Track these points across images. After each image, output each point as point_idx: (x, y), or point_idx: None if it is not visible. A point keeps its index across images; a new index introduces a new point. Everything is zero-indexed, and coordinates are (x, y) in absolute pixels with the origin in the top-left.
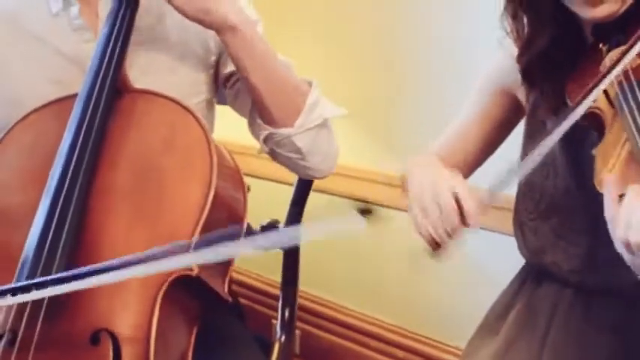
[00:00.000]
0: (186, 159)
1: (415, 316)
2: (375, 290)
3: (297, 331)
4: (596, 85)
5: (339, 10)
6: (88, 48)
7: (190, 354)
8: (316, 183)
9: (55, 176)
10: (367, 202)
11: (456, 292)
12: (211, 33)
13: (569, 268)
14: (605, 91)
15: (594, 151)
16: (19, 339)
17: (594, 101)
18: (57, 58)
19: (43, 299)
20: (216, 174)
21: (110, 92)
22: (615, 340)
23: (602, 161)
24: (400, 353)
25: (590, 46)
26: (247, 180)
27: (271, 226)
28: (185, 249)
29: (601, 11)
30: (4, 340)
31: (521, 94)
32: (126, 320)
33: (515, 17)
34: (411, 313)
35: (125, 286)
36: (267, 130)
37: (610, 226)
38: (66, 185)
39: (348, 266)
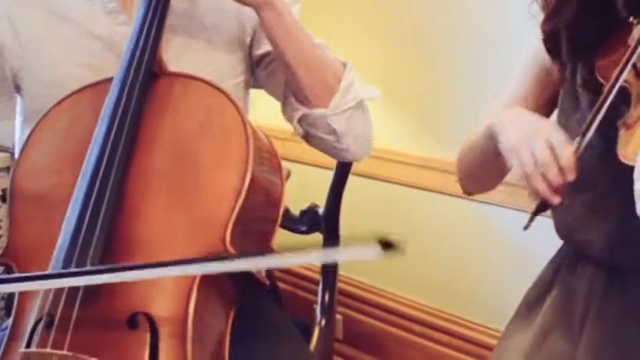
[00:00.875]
0: (222, 142)
1: (458, 300)
2: (418, 274)
3: (339, 316)
4: (628, 60)
5: None
6: (122, 31)
7: (228, 338)
8: (355, 167)
9: (91, 160)
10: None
11: (499, 275)
12: (247, 14)
13: (601, 246)
14: (634, 65)
15: (620, 124)
16: (56, 322)
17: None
18: (91, 42)
19: None
20: (252, 157)
21: (146, 75)
22: None
23: (628, 134)
24: (444, 337)
25: (619, 20)
26: (287, 165)
27: (310, 210)
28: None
29: None
30: (41, 323)
31: (556, 70)
32: (163, 303)
33: None
34: (454, 297)
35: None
36: (301, 110)
37: (637, 200)
38: (102, 169)
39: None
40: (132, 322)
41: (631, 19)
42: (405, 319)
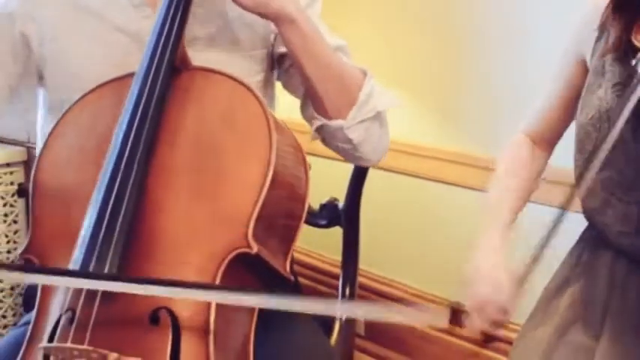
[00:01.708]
0: (245, 136)
1: None
2: (439, 268)
3: None
4: None
5: None
6: (148, 24)
7: (252, 333)
8: None
9: (113, 155)
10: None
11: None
12: None
13: (620, 229)
14: None
15: None
16: (77, 317)
17: None
18: (116, 35)
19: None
20: (275, 151)
21: (168, 70)
22: None
23: None
24: (465, 332)
25: None
26: (308, 158)
27: (330, 204)
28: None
29: None
30: (63, 318)
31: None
32: (185, 298)
33: None
34: None
35: (184, 263)
36: (319, 120)
37: None
38: (124, 164)
39: (410, 245)
40: (154, 317)
41: None
42: None
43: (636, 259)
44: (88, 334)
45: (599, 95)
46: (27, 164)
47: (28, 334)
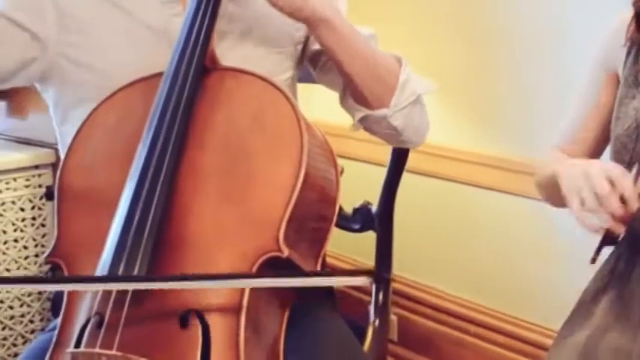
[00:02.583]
0: (275, 138)
1: (515, 300)
2: (474, 273)
3: (394, 317)
4: None
5: None
6: (178, 22)
7: (282, 337)
8: (409, 164)
9: (142, 157)
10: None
11: (558, 275)
12: None
13: None
14: None
15: None
16: (105, 322)
17: None
18: (145, 32)
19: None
20: (306, 153)
21: (197, 69)
22: None
23: None
24: (500, 338)
25: None
26: (340, 161)
27: (363, 208)
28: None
29: None
30: (91, 323)
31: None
32: (216, 302)
33: None
34: (510, 297)
35: (215, 266)
36: (362, 112)
37: None
38: (153, 165)
39: (444, 249)
40: (183, 320)
41: None
42: (460, 320)
43: None
44: (116, 339)
45: (635, 106)
46: (55, 167)
47: (55, 338)
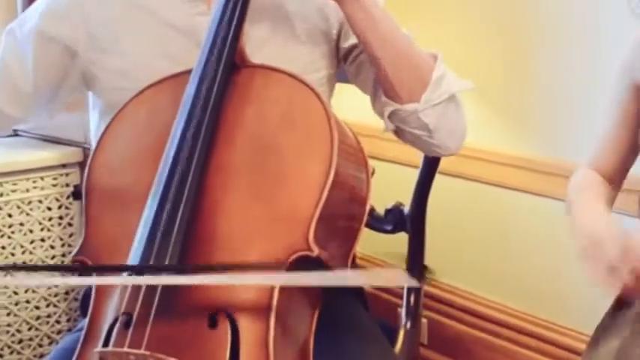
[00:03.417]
0: (305, 136)
1: (548, 304)
2: (506, 276)
3: (424, 320)
4: None
5: None
6: (202, 21)
7: (312, 338)
8: (443, 166)
9: (170, 155)
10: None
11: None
12: (331, 5)
13: None
14: None
15: None
16: (134, 321)
17: None
18: (169, 32)
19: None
20: (337, 152)
21: (226, 67)
22: None
23: None
24: (532, 342)
25: None
26: (372, 162)
27: (396, 209)
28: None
29: None
30: (119, 322)
31: None
32: (244, 302)
33: None
34: (543, 300)
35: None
36: (392, 106)
37: None
38: (181, 163)
39: (475, 252)
40: (212, 320)
41: None
42: (492, 323)
43: None
44: (145, 338)
45: None
46: (83, 165)
47: (82, 337)
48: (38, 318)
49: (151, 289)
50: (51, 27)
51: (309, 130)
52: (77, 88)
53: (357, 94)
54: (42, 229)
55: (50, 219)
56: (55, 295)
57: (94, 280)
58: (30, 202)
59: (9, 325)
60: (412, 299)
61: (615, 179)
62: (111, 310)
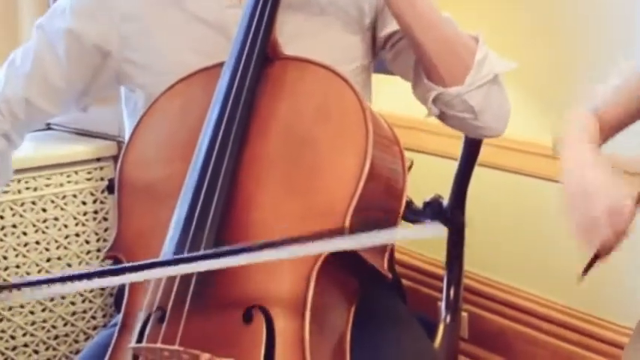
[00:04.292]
0: (339, 128)
1: (590, 297)
2: (546, 270)
3: (464, 314)
4: None
5: None
6: (232, 13)
7: (348, 332)
8: (482, 157)
9: (203, 147)
10: None
11: (634, 271)
12: None
13: None
14: None
15: None
16: (167, 317)
17: None
18: (199, 26)
19: (191, 275)
20: (372, 144)
21: (259, 59)
22: None
23: None
24: (574, 336)
25: None
26: (410, 155)
27: (434, 202)
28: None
29: None
30: (152, 318)
31: None
32: (279, 296)
33: None
34: (584, 293)
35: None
36: (435, 90)
37: None
38: (214, 156)
39: (516, 245)
40: (247, 315)
41: None
42: (533, 317)
43: None
44: (179, 334)
45: None
46: (117, 159)
47: (116, 333)
48: (74, 314)
49: (185, 283)
50: (79, 26)
51: (343, 122)
52: (110, 85)
53: (394, 86)
54: (77, 224)
55: (85, 213)
56: (91, 291)
57: (128, 278)
58: (64, 197)
59: (44, 320)
60: (452, 293)
61: (626, 121)
62: (144, 305)
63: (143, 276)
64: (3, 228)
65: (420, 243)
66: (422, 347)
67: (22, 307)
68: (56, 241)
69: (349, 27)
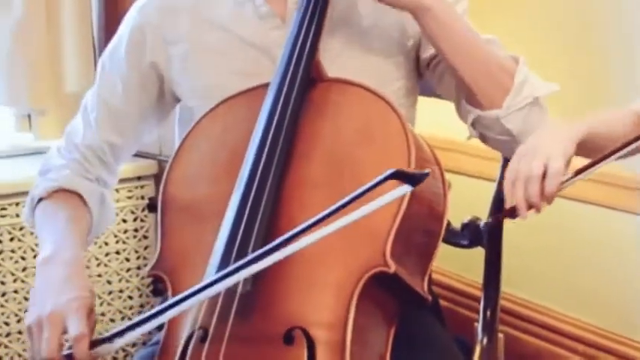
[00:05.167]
0: (382, 150)
1: (626, 319)
2: (582, 292)
3: (501, 335)
4: None
5: None
6: (276, 36)
7: (388, 354)
8: None
9: (247, 168)
10: None
11: None
12: (408, 16)
13: None
14: None
15: None
16: (210, 336)
17: None
18: (243, 48)
19: (234, 295)
20: (414, 166)
21: (303, 81)
22: None
23: None
24: (609, 358)
25: None
26: (448, 176)
27: (472, 223)
28: None
29: None
30: (195, 337)
31: None
32: (321, 318)
33: None
34: (621, 316)
35: (320, 282)
36: (473, 113)
37: None
38: (258, 177)
39: (554, 266)
40: (288, 337)
41: None
42: (568, 339)
43: None
44: (221, 354)
45: None
46: (158, 178)
47: (158, 352)
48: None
49: (227, 303)
50: (134, 49)
51: (385, 144)
52: (174, 104)
53: (433, 107)
54: (117, 242)
55: (125, 231)
56: (130, 309)
57: (179, 309)
58: None
59: None
60: (489, 314)
61: None
62: (187, 324)
63: (191, 303)
64: None
65: (458, 264)
66: None
67: None
68: (97, 259)
69: (392, 49)
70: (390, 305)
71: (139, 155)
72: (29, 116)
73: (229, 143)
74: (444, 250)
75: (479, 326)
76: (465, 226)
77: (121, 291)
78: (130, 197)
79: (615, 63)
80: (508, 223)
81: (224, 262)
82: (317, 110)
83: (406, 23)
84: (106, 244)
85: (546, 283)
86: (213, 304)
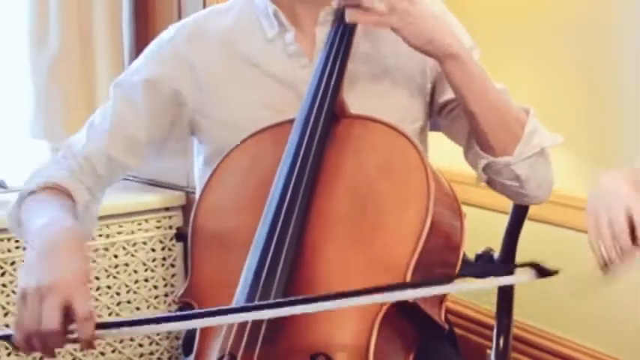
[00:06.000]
0: (403, 185)
1: (637, 348)
2: (594, 321)
3: None
4: None
5: (554, 28)
6: (304, 74)
7: None
8: (532, 211)
9: (274, 200)
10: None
11: None
12: (428, 60)
13: None
14: None
15: None
16: None
17: None
18: (272, 84)
19: (262, 323)
20: (433, 201)
21: (327, 118)
22: None
23: None
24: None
25: None
26: (462, 208)
27: (486, 254)
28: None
29: None
30: None
31: None
32: (343, 345)
33: None
34: (631, 345)
35: (343, 310)
36: (486, 158)
37: None
38: (284, 210)
39: (566, 296)
40: None
41: None
42: None
43: None
44: None
45: None
46: (185, 209)
47: None
48: (141, 355)
49: (256, 329)
50: (156, 74)
51: (406, 180)
52: (184, 135)
53: (446, 142)
54: (146, 270)
55: (154, 260)
56: (157, 334)
57: (205, 322)
58: (135, 244)
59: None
60: (502, 342)
61: None
62: (215, 350)
63: (217, 321)
64: None
65: (472, 293)
66: None
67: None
68: (126, 286)
69: (412, 90)
70: (409, 333)
71: (167, 187)
72: None
73: (257, 176)
74: None
75: (492, 354)
76: (478, 256)
77: None
78: (158, 227)
79: (620, 102)
80: (520, 249)
81: (252, 291)
82: (340, 145)
83: (426, 67)
84: (135, 272)
85: (558, 312)
86: (241, 330)
